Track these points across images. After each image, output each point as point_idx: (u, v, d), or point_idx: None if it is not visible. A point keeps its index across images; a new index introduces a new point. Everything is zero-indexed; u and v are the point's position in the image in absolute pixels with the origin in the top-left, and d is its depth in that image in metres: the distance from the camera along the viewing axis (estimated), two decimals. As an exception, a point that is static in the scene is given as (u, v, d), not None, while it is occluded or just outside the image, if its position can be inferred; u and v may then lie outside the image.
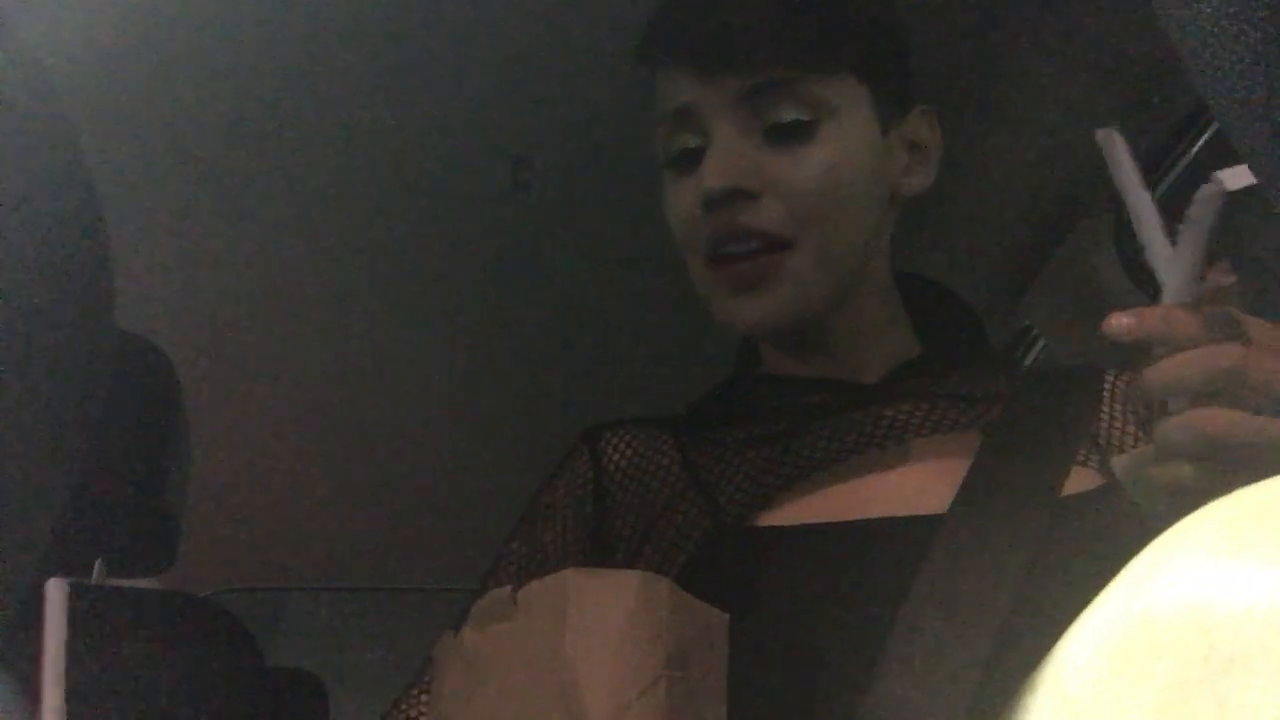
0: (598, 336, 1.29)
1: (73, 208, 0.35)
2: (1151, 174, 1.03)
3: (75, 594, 0.55)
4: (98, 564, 0.96)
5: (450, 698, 0.52)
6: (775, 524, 0.63)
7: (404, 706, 0.68)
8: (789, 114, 0.66)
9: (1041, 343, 1.26)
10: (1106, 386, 0.69)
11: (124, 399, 0.91)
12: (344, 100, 0.99)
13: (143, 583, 1.05)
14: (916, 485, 0.63)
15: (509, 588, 0.52)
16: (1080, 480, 0.62)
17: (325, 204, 1.09)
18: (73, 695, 0.84)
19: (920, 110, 0.73)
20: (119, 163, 0.99)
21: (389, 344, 1.31)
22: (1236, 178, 0.44)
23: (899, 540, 0.58)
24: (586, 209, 1.13)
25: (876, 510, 0.62)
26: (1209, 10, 0.28)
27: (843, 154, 0.67)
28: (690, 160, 0.68)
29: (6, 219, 0.32)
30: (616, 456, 0.73)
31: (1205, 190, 0.47)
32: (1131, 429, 0.67)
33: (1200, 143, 0.98)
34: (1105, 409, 0.68)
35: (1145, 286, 1.02)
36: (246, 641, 0.99)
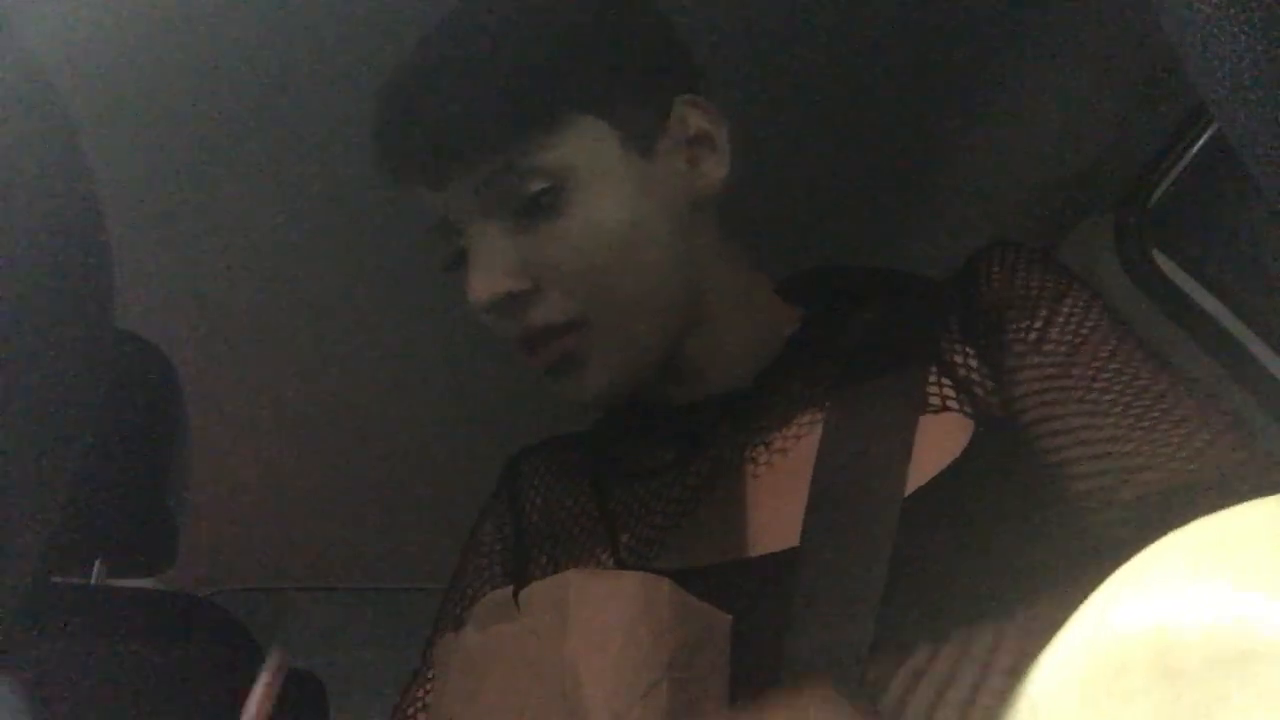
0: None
1: (73, 208, 0.35)
2: (1152, 174, 1.03)
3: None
4: (98, 564, 0.96)
5: (452, 698, 0.52)
6: (668, 568, 0.60)
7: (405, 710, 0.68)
8: (529, 190, 0.60)
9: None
10: (949, 312, 0.64)
11: (124, 399, 0.91)
12: (345, 99, 0.99)
13: (143, 583, 1.05)
14: (795, 508, 0.59)
15: (510, 589, 0.52)
16: (941, 435, 0.59)
17: (326, 204, 1.09)
18: (70, 695, 0.84)
19: (680, 102, 0.65)
20: (119, 163, 0.99)
21: (389, 343, 1.31)
22: None
23: (775, 576, 0.56)
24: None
25: (762, 541, 0.60)
26: (1209, 10, 0.28)
27: (603, 207, 0.60)
28: (463, 264, 0.64)
29: (6, 219, 0.32)
30: (534, 494, 0.73)
31: None
32: (987, 337, 0.62)
33: (1200, 143, 0.98)
34: (951, 338, 0.63)
35: (1145, 287, 1.02)
36: (246, 641, 0.98)
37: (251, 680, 0.96)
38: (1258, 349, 0.94)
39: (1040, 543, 0.52)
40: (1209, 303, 0.97)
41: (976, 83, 1.01)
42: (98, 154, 0.38)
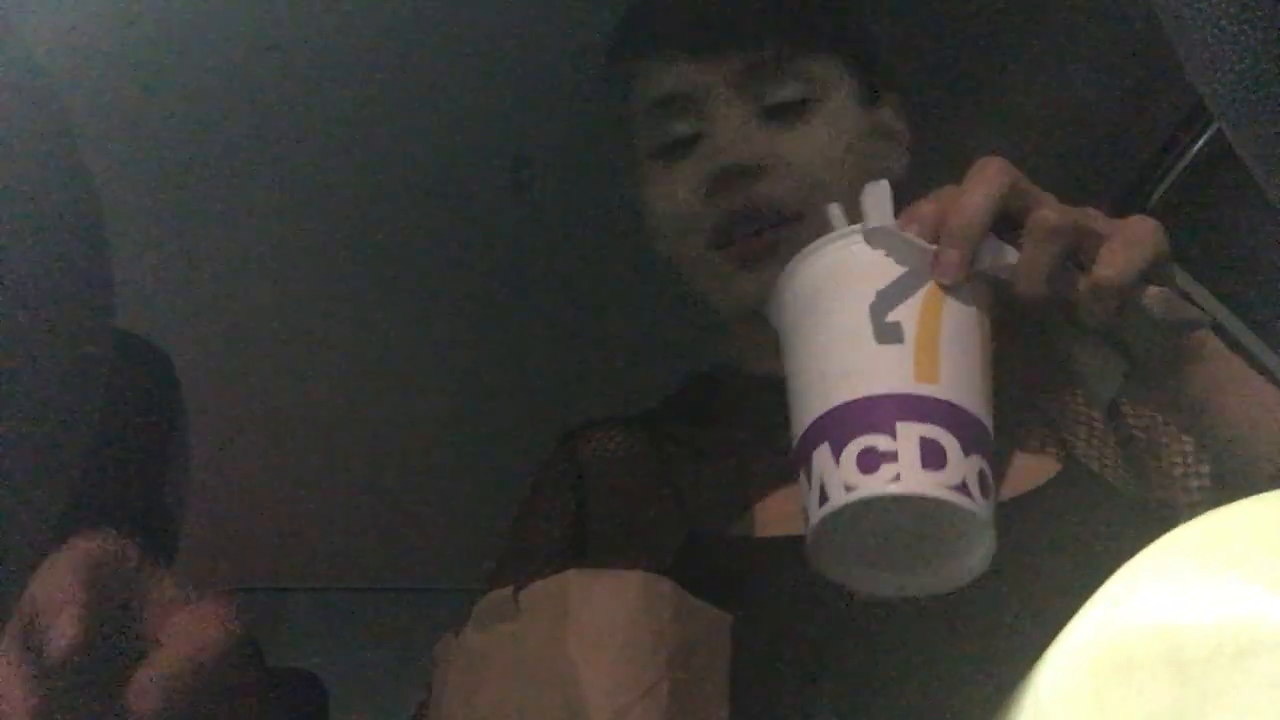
0: (597, 336, 1.29)
1: (73, 208, 0.35)
2: (1152, 173, 1.03)
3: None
4: (98, 564, 0.96)
5: (451, 698, 0.52)
6: (749, 535, 0.62)
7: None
8: (786, 92, 0.65)
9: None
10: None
11: (124, 399, 0.91)
12: (344, 100, 0.99)
13: (143, 583, 1.05)
14: None
15: (510, 588, 0.52)
16: (1039, 469, 0.61)
17: (325, 204, 1.09)
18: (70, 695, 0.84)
19: (891, 95, 0.72)
20: (119, 163, 0.99)
21: (389, 343, 1.31)
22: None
23: None
24: (586, 209, 1.13)
25: None
26: (1209, 10, 0.28)
27: (838, 133, 0.66)
28: (682, 148, 0.66)
29: (6, 219, 0.32)
30: (596, 461, 0.72)
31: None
32: (1095, 411, 0.65)
33: (1200, 143, 0.98)
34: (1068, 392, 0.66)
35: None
36: (246, 641, 0.98)
37: (251, 680, 0.96)
38: (1258, 349, 0.94)
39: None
40: (1209, 303, 0.97)
41: (976, 83, 1.01)
42: (98, 154, 0.38)
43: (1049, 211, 0.45)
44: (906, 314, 0.43)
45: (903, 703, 0.51)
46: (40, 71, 0.35)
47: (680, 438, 0.71)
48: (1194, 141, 0.99)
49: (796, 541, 0.60)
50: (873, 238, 0.44)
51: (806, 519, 0.42)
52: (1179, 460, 0.61)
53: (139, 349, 0.95)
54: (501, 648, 0.50)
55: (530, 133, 1.04)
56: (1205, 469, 0.60)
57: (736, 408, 0.71)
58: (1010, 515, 0.57)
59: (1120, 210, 1.03)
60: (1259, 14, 0.27)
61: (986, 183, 0.45)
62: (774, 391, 0.69)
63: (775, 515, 0.63)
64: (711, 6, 0.66)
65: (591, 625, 0.48)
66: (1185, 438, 0.61)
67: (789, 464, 0.64)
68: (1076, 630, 0.28)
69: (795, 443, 0.44)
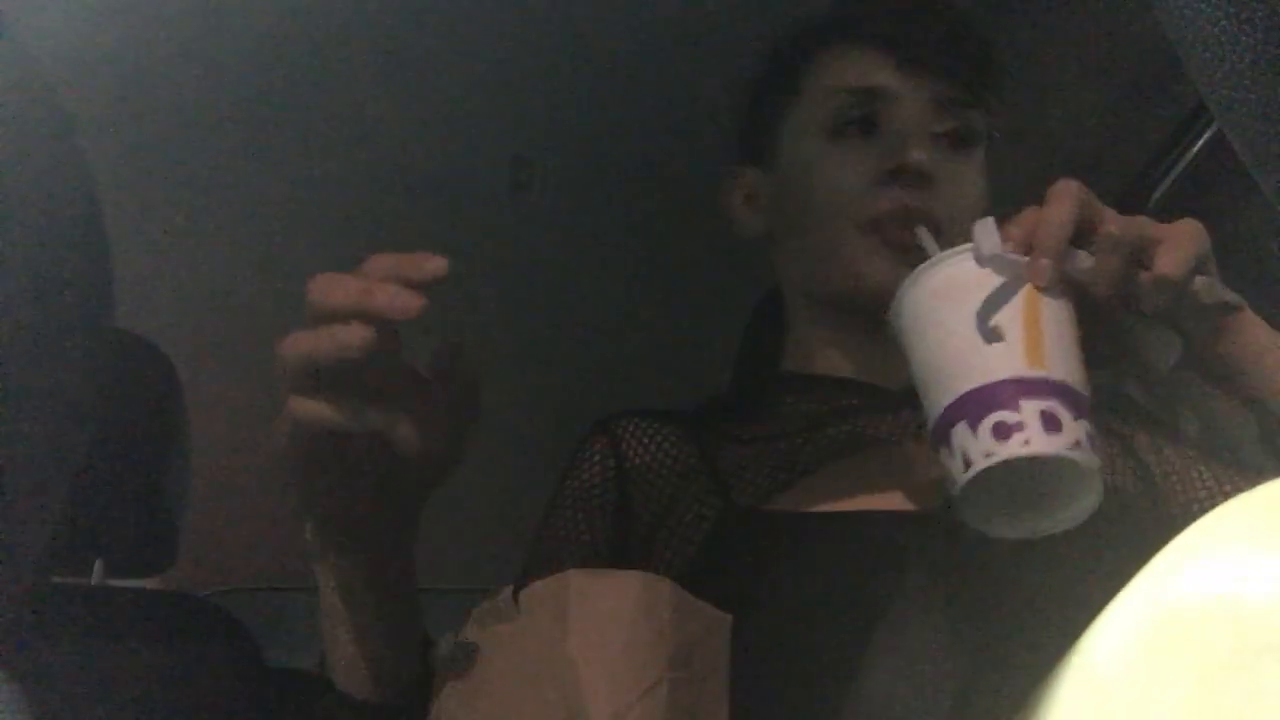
0: (597, 336, 1.29)
1: (73, 208, 0.35)
2: (1152, 173, 1.03)
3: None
4: (98, 564, 0.96)
5: (451, 699, 0.52)
6: (787, 509, 0.65)
7: None
8: (952, 129, 0.73)
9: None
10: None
11: (124, 399, 0.91)
12: (344, 100, 0.99)
13: (143, 583, 1.05)
14: (932, 481, 0.64)
15: (509, 588, 0.52)
16: None
17: (325, 204, 1.09)
18: (70, 695, 0.84)
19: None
20: (119, 163, 0.99)
21: (389, 344, 1.31)
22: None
23: (903, 534, 0.61)
24: (586, 209, 1.13)
25: (885, 504, 0.63)
26: (1209, 10, 0.28)
27: (979, 179, 0.74)
28: (855, 134, 0.73)
29: (6, 219, 0.32)
30: (634, 444, 0.74)
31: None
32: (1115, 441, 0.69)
33: (1200, 143, 0.99)
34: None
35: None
36: (246, 641, 0.98)
37: (251, 681, 0.96)
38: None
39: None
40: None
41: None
42: (98, 154, 0.38)
43: (1114, 226, 0.54)
44: (1010, 315, 0.52)
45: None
46: (40, 71, 0.35)
47: (722, 429, 0.73)
48: (1194, 141, 0.99)
49: (828, 518, 0.64)
50: (979, 259, 0.54)
51: (952, 483, 0.51)
52: (1199, 483, 0.67)
53: (139, 349, 0.95)
54: (501, 648, 0.50)
55: (530, 133, 1.04)
56: (1229, 488, 0.66)
57: (784, 404, 0.74)
58: None
59: (1121, 210, 1.04)
60: (1259, 14, 0.27)
61: (1065, 202, 0.54)
62: (824, 390, 0.73)
63: (814, 493, 0.66)
64: (932, 28, 0.73)
65: (591, 625, 0.48)
66: (1204, 470, 0.67)
67: (833, 450, 0.68)
68: (1128, 598, 0.28)
69: (932, 425, 0.53)
